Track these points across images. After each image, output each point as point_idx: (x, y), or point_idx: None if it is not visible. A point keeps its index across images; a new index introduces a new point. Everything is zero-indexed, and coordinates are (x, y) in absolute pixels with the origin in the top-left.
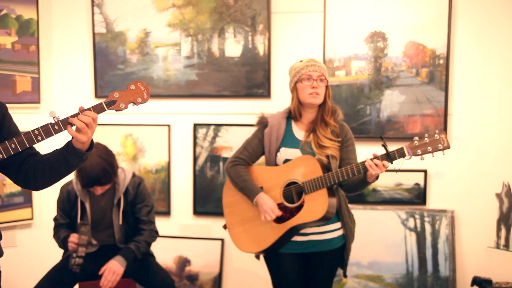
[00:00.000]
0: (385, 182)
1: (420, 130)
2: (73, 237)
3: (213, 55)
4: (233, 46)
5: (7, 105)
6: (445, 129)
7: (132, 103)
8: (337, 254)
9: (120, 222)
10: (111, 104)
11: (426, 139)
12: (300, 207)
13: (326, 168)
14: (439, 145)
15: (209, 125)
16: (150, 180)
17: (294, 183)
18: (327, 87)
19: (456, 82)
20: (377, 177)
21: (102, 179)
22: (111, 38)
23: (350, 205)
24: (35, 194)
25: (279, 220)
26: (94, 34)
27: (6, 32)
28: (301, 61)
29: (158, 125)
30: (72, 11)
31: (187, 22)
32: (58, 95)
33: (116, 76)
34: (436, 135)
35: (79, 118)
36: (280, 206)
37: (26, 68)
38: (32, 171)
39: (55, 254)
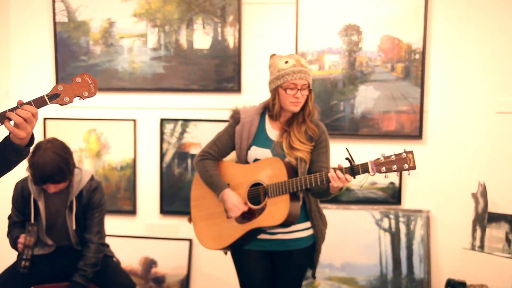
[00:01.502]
0: (359, 181)
1: (395, 127)
2: (22, 238)
3: (181, 47)
4: (202, 38)
5: None
6: (420, 126)
7: (78, 97)
8: (306, 254)
9: (74, 227)
10: (54, 97)
11: (392, 156)
12: (262, 210)
13: (293, 171)
14: (405, 164)
15: (177, 120)
16: (114, 177)
17: (260, 184)
18: (310, 90)
19: (432, 78)
20: (340, 189)
21: (56, 176)
22: (73, 27)
23: (322, 204)
24: None
25: (241, 219)
26: (55, 23)
27: None
28: (287, 62)
29: (123, 120)
30: None
31: (153, 12)
32: (16, 86)
33: (78, 68)
34: (403, 153)
35: (17, 112)
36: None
37: None
38: None
39: (12, 256)
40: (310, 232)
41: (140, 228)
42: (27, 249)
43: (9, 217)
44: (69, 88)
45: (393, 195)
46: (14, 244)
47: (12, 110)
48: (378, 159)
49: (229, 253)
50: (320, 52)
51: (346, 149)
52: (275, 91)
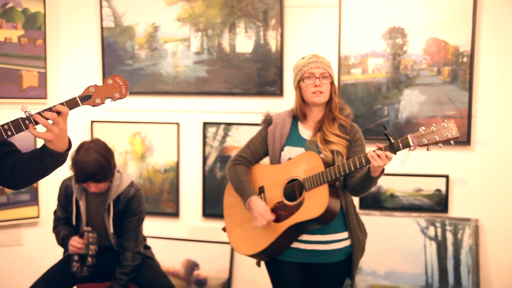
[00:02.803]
0: (403, 187)
1: None
2: (74, 241)
3: (224, 51)
4: (244, 42)
5: (13, 100)
6: (469, 132)
7: (110, 98)
8: (343, 266)
9: (111, 230)
10: (86, 99)
11: (433, 128)
12: (300, 205)
13: (329, 165)
14: (447, 133)
15: (219, 124)
16: (158, 180)
17: (296, 180)
18: (332, 83)
19: (481, 81)
20: (382, 171)
21: (97, 175)
22: (119, 32)
23: (365, 210)
24: (42, 192)
25: (278, 219)
26: (102, 28)
27: (12, 26)
28: (303, 58)
29: (167, 123)
30: (80, 4)
31: (196, 17)
32: (66, 90)
33: (124, 72)
34: (444, 123)
35: (43, 114)
36: (280, 204)
37: (32, 62)
38: (9, 169)
39: (61, 253)
40: (348, 243)
41: (182, 231)
42: (90, 257)
43: (55, 213)
44: (101, 90)
45: (439, 203)
46: (62, 242)
47: (39, 112)
48: (418, 131)
49: (263, 264)
50: (364, 55)
51: (383, 126)
52: (297, 88)
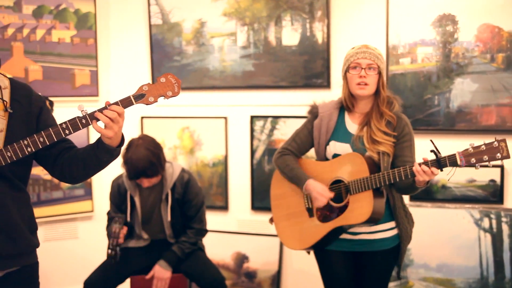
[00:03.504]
0: (456, 178)
1: (495, 121)
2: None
3: (270, 45)
4: (290, 35)
5: (66, 98)
6: None
7: (162, 97)
8: (390, 255)
9: (169, 218)
10: (139, 97)
11: (483, 146)
12: (345, 208)
13: (375, 165)
14: (498, 154)
15: (267, 117)
16: (207, 174)
17: (341, 181)
18: (380, 75)
19: None
20: (427, 183)
21: (148, 171)
22: (167, 29)
23: (416, 202)
24: (96, 187)
25: (323, 219)
26: (150, 25)
27: (65, 26)
28: (353, 47)
29: (215, 117)
30: (128, 3)
31: (242, 11)
32: (116, 87)
33: (172, 68)
34: (495, 142)
35: (104, 112)
36: (326, 204)
37: (84, 61)
38: (67, 165)
39: None
40: (394, 232)
41: (232, 224)
42: (112, 239)
43: (108, 213)
44: (154, 88)
45: (494, 194)
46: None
47: (100, 110)
48: (467, 149)
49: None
50: (412, 44)
51: (431, 140)
52: (344, 78)
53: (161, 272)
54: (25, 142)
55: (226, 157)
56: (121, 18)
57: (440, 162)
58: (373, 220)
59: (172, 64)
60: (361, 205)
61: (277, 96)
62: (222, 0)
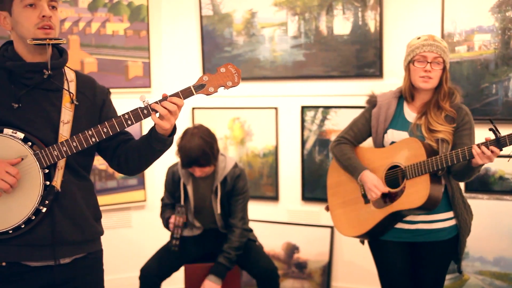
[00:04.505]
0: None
1: None
2: (172, 218)
3: (321, 34)
4: (342, 24)
5: (121, 90)
6: None
7: (222, 87)
8: (449, 246)
9: (218, 211)
10: (200, 88)
11: None
12: (401, 193)
13: (433, 152)
14: None
15: (318, 107)
16: (257, 164)
17: (397, 166)
18: (445, 69)
19: None
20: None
21: (201, 159)
22: (217, 20)
23: (471, 194)
24: (148, 177)
25: (380, 204)
26: (201, 17)
27: (119, 19)
28: (419, 38)
29: (265, 108)
30: None
31: (293, 1)
32: (168, 79)
33: (223, 59)
34: None
35: (162, 104)
36: None
37: (137, 53)
38: (124, 156)
39: (167, 235)
40: (453, 222)
41: (282, 214)
42: (176, 229)
43: (162, 199)
44: (214, 79)
45: None
46: (166, 224)
47: (159, 102)
48: None
49: (366, 243)
50: (469, 31)
51: (490, 120)
52: (407, 69)
53: (212, 286)
54: (90, 132)
55: (276, 148)
56: (172, 10)
57: (499, 141)
58: (429, 206)
59: (223, 55)
60: (418, 190)
61: (328, 86)
62: None
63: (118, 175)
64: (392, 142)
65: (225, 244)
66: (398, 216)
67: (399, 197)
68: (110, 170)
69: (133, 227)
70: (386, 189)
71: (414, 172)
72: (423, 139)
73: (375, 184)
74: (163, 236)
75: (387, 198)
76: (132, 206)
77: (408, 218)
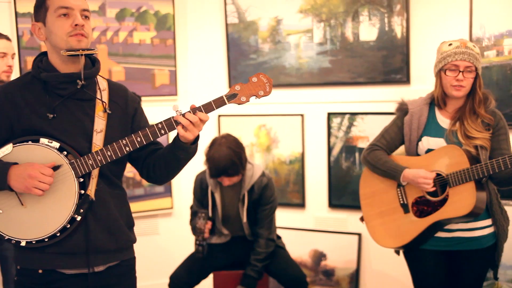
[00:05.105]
0: None
1: None
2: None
3: (347, 40)
4: (368, 30)
5: (147, 98)
6: None
7: (254, 96)
8: (487, 254)
9: (245, 219)
10: (232, 97)
11: None
12: (443, 201)
13: (474, 159)
14: None
15: (344, 114)
16: (284, 171)
17: (437, 175)
18: (477, 75)
19: None
20: None
21: (229, 169)
22: (243, 28)
23: (504, 200)
24: (175, 184)
25: (420, 214)
26: (226, 25)
27: (145, 28)
28: (450, 44)
29: (291, 115)
30: (205, 3)
31: (319, 7)
32: (194, 86)
33: (248, 66)
34: None
35: (186, 116)
36: (422, 199)
37: (164, 61)
38: (152, 165)
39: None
40: (491, 229)
41: (309, 221)
42: (198, 234)
43: (191, 207)
44: (246, 88)
45: None
46: (194, 232)
47: (190, 112)
48: None
49: (401, 253)
50: (498, 36)
51: None
52: (438, 75)
53: None
54: (124, 141)
55: (302, 155)
56: (198, 18)
57: None
58: (474, 214)
59: (249, 62)
60: (463, 197)
61: (355, 92)
62: None
63: (145, 182)
64: (428, 150)
65: (252, 255)
66: (440, 225)
67: (441, 206)
68: (138, 177)
69: (160, 234)
70: (434, 174)
71: (458, 179)
72: (460, 145)
73: (423, 175)
74: (190, 243)
75: (428, 207)
76: (159, 213)
77: (446, 226)
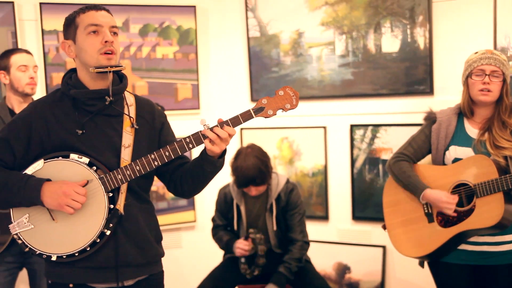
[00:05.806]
0: None
1: None
2: (241, 244)
3: (369, 52)
4: (390, 41)
5: (170, 112)
6: None
7: (281, 110)
8: None
9: (274, 228)
10: (259, 111)
11: None
12: (470, 212)
13: (503, 170)
14: None
15: (367, 125)
16: (307, 183)
17: (463, 184)
18: (504, 82)
19: None
20: None
21: (257, 179)
22: (265, 41)
23: None
24: (198, 198)
25: (445, 224)
26: (248, 38)
27: (168, 43)
28: (476, 52)
29: (314, 127)
30: (227, 17)
31: (340, 20)
32: (216, 100)
33: (270, 79)
34: None
35: (213, 130)
36: None
37: (186, 76)
38: (178, 179)
39: (217, 255)
40: None
41: (332, 234)
42: (262, 258)
43: (213, 220)
44: (273, 101)
45: None
46: (226, 247)
47: (218, 126)
48: None
49: (426, 265)
50: None
51: None
52: (465, 84)
53: None
54: (152, 156)
55: (325, 167)
56: (220, 32)
57: None
58: (501, 225)
59: (270, 76)
60: (491, 208)
61: (378, 104)
62: (319, 10)
63: (169, 195)
64: (456, 159)
65: (286, 255)
66: (465, 236)
67: (468, 216)
68: (161, 191)
69: (183, 247)
70: (457, 198)
71: (486, 190)
72: (488, 155)
73: (445, 200)
74: (213, 257)
75: (454, 217)
76: (182, 226)
77: (472, 239)
